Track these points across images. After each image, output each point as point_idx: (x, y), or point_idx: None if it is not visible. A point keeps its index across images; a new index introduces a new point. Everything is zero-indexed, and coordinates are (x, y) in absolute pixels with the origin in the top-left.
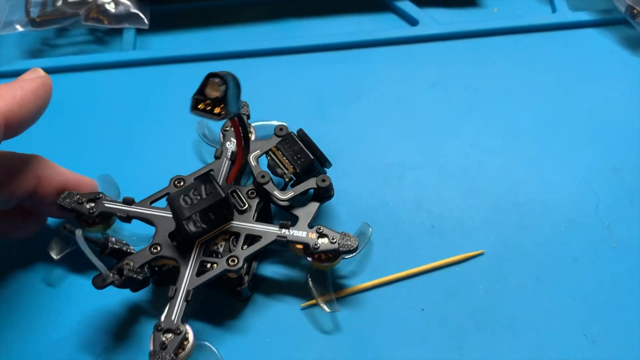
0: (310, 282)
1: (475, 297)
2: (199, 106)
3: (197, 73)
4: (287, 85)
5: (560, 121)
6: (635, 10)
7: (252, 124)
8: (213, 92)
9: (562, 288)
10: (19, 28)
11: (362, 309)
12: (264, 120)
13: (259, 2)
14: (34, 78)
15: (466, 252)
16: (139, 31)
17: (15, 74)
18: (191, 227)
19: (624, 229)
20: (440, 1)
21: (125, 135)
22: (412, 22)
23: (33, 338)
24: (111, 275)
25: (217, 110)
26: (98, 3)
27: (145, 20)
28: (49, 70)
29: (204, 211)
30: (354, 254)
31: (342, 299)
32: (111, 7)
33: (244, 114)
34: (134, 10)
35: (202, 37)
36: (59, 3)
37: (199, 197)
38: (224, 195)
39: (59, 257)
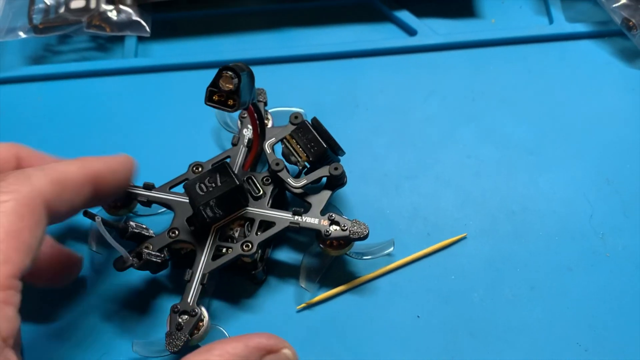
0: (302, 263)
1: (470, 305)
2: (213, 97)
3: (197, 80)
4: (286, 94)
5: (556, 131)
6: (630, 23)
7: (269, 111)
8: (226, 85)
9: (556, 297)
10: (22, 35)
11: (358, 313)
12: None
13: (259, 12)
14: (121, 155)
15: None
16: (141, 39)
17: (18, 80)
18: (208, 213)
19: (618, 239)
20: (439, 12)
21: (127, 140)
22: (411, 32)
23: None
24: (131, 258)
25: (230, 102)
26: (100, 11)
27: (147, 28)
28: (51, 77)
29: (218, 198)
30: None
31: (340, 304)
32: (113, 15)
33: (260, 101)
34: (135, 18)
35: (202, 45)
36: (62, 10)
37: (213, 185)
38: (237, 183)
39: (96, 248)
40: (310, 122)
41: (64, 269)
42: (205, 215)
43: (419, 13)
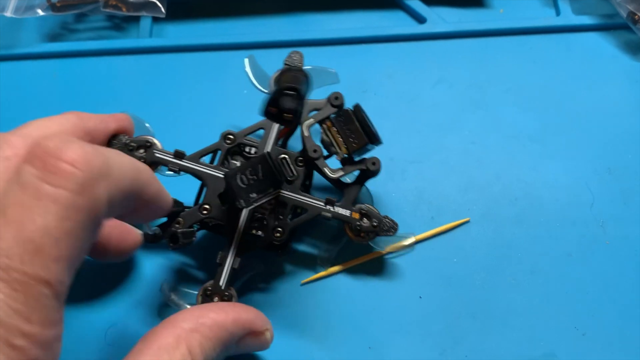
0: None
1: (471, 288)
2: (269, 110)
3: (210, 62)
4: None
5: (560, 121)
6: (636, 16)
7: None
8: (287, 104)
9: (556, 282)
10: (40, 12)
11: (361, 292)
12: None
13: None
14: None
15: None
16: (156, 19)
17: (36, 56)
18: (243, 205)
19: (618, 228)
20: (449, 0)
21: (140, 118)
22: (420, 19)
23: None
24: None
25: (287, 117)
26: None
27: (162, 9)
28: (67, 54)
29: (259, 192)
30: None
31: (342, 282)
32: None
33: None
34: None
35: (216, 27)
36: None
37: (255, 178)
38: (280, 179)
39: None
40: (352, 110)
41: (126, 244)
42: (240, 206)
43: (429, 1)
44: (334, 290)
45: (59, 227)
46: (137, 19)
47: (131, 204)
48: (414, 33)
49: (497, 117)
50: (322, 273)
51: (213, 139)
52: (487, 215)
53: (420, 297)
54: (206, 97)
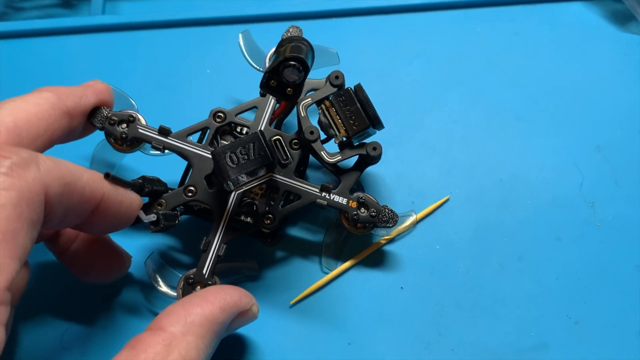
0: (324, 237)
1: (455, 276)
2: (270, 83)
3: (168, 40)
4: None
5: (545, 97)
6: None
7: None
8: (290, 77)
9: (545, 268)
10: None
11: (342, 287)
12: None
13: None
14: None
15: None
16: None
17: None
18: (231, 187)
19: (609, 208)
20: None
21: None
22: None
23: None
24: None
25: (289, 90)
26: None
27: None
28: (12, 35)
29: (249, 174)
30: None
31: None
32: None
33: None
34: None
35: (173, 2)
36: None
37: (246, 158)
38: (272, 159)
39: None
40: (353, 90)
41: (113, 265)
42: (228, 189)
43: None
44: (308, 284)
45: None
46: None
47: (83, 206)
48: (389, 5)
49: (479, 94)
50: (308, 290)
51: (178, 124)
52: (471, 198)
53: (401, 287)
54: (166, 78)
